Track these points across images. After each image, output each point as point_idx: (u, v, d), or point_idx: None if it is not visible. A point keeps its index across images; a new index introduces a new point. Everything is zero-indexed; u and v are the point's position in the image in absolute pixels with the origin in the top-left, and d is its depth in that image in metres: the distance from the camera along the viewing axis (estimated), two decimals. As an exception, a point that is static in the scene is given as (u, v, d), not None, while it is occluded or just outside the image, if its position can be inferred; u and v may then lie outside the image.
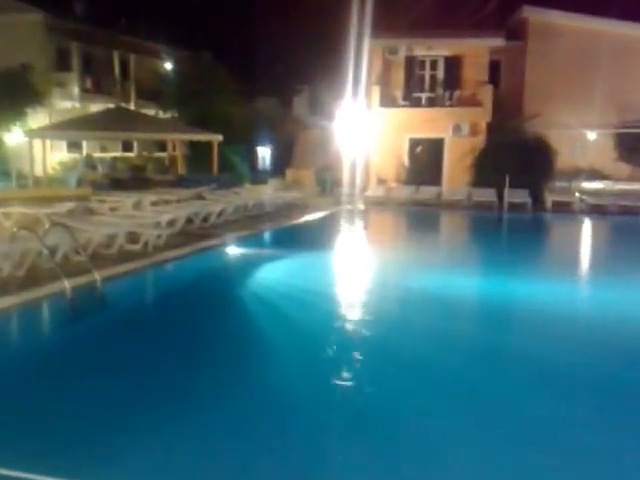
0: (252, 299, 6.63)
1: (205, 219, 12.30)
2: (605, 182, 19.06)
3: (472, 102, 20.20)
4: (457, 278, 7.94)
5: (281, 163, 24.58)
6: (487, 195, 18.19)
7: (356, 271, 8.70)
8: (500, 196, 17.43)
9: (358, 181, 20.49)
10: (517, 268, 8.74)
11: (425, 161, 21.36)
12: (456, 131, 20.36)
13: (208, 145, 19.46)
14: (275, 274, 8.21)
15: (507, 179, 17.53)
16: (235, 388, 3.88)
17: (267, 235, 12.55)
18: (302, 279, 7.77)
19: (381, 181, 21.24)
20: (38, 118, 21.25)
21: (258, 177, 22.22)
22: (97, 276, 6.46)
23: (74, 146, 25.01)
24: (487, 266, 9.48)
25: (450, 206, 18.24)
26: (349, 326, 5.45)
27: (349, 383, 3.92)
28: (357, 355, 4.53)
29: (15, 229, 6.91)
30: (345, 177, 20.51)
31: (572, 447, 3.01)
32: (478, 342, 5.05)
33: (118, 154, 25.37)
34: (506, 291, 7.26)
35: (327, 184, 21.66)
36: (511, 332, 5.59)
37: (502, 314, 6.23)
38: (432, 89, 21.04)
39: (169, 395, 3.78)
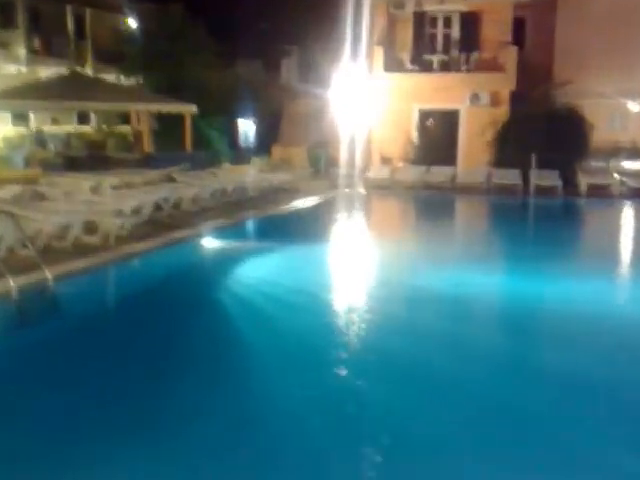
0: (232, 302, 6.69)
1: (176, 206, 12.41)
2: (650, 161, 19.39)
3: (493, 66, 20.21)
4: (477, 278, 7.97)
5: (267, 139, 24.64)
6: (510, 177, 18.18)
7: (356, 270, 8.74)
8: (526, 178, 17.62)
9: (358, 161, 20.58)
10: (547, 265, 8.80)
11: (437, 137, 21.46)
12: (474, 101, 20.43)
13: (180, 117, 18.94)
14: (260, 273, 8.29)
15: (534, 158, 17.71)
16: (210, 411, 3.87)
17: (250, 225, 12.70)
18: (292, 279, 7.80)
19: (385, 161, 21.38)
20: (-25, 85, 21.03)
21: (239, 156, 22.31)
22: (48, 274, 6.48)
23: (20, 119, 24.67)
24: (511, 263, 9.53)
25: (467, 190, 18.32)
26: (348, 338, 5.48)
27: (349, 409, 3.91)
28: (357, 372, 4.55)
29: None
30: (343, 156, 20.48)
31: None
32: (504, 354, 5.12)
33: (72, 128, 25.14)
34: (534, 292, 7.29)
35: (321, 164, 21.76)
36: (541, 341, 5.64)
37: (530, 319, 6.24)
38: (445, 51, 21.02)
39: (133, 417, 3.74)
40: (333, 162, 21.27)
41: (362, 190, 19.06)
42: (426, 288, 7.39)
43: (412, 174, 19.59)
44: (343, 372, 4.45)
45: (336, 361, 4.69)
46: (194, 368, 4.61)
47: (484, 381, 4.34)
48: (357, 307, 6.58)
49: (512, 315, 6.39)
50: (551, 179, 17.63)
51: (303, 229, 12.27)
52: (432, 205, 16.93)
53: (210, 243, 10.50)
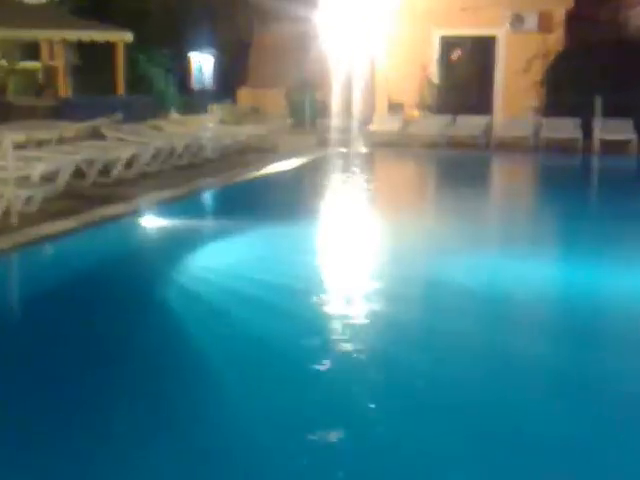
0: (181, 306, 6.81)
1: (105, 171, 12.40)
2: None
3: (542, -23, 20.40)
4: (531, 276, 7.97)
5: (231, 79, 24.34)
6: (566, 128, 18.23)
7: (354, 265, 8.75)
8: (588, 130, 17.72)
9: (357, 108, 20.57)
10: (619, 254, 8.83)
11: (466, 75, 21.41)
12: (516, 25, 20.28)
13: (109, 49, 18.74)
14: (220, 265, 8.39)
15: (599, 102, 17.55)
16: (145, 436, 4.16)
17: (208, 198, 12.99)
18: (264, 273, 7.89)
19: (395, 108, 21.27)
20: None
21: (193, 102, 22.05)
22: None
23: None
24: (570, 251, 9.54)
25: (506, 147, 18.40)
26: (338, 352, 5.67)
27: (335, 439, 4.18)
28: (346, 394, 4.77)
29: None
30: (335, 102, 20.62)
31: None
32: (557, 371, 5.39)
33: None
34: (613, 296, 7.34)
35: (306, 113, 21.57)
36: (607, 356, 5.72)
37: (611, 336, 6.39)
38: (477, -45, 20.87)
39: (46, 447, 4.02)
40: (322, 110, 21.23)
41: (363, 149, 19.13)
42: (456, 289, 7.52)
43: (432, 127, 19.55)
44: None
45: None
46: (126, 388, 4.94)
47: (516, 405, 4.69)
48: (353, 317, 6.63)
49: (584, 331, 6.44)
50: (623, 131, 17.74)
51: (281, 204, 12.41)
52: (459, 170, 17.01)
53: (152, 223, 10.68)
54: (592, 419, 4.48)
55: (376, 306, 6.98)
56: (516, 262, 8.47)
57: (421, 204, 13.86)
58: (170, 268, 8.01)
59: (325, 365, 5.37)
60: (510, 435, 4.23)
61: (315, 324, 6.38)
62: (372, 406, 4.74)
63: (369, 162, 18.29)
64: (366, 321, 6.54)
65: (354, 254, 9.29)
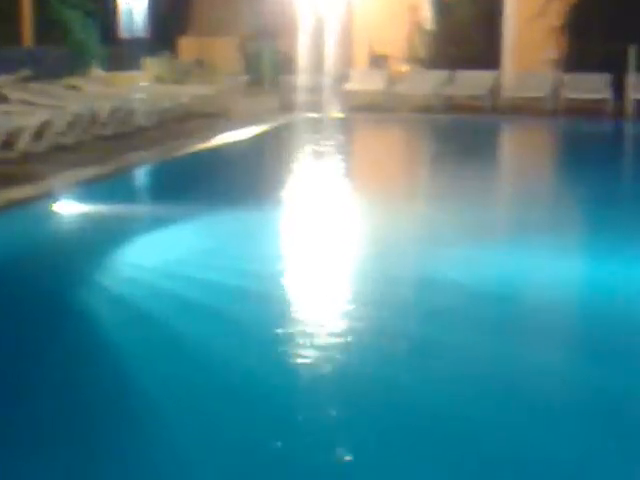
0: (104, 310, 6.91)
1: (8, 143, 12.35)
2: None
3: None
4: (537, 272, 8.11)
5: (169, 25, 24.40)
6: (592, 87, 18.26)
7: (327, 259, 8.78)
8: (619, 89, 17.84)
9: (330, 62, 20.79)
10: None
11: (466, 19, 21.54)
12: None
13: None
14: (156, 261, 8.45)
15: (634, 53, 17.73)
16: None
17: (140, 178, 13.21)
18: (210, 269, 8.00)
19: (378, 61, 21.58)
20: None
21: (121, 55, 22.14)
22: None
23: None
24: (599, 245, 9.42)
25: (518, 111, 18.52)
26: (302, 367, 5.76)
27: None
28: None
29: None
30: (302, 54, 20.88)
31: None
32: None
33: None
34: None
35: (265, 68, 21.90)
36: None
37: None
38: None
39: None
40: (285, 65, 21.38)
41: (338, 114, 19.23)
42: (454, 290, 7.54)
43: (424, 85, 19.64)
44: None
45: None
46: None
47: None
48: (323, 332, 6.57)
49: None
50: (663, 90, 18.28)
51: (234, 184, 12.46)
52: (459, 140, 16.95)
53: (69, 209, 10.74)
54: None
55: (353, 315, 6.97)
56: (528, 257, 8.54)
57: (411, 185, 13.79)
58: (91, 266, 8.08)
59: (278, 396, 5.29)
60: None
61: (274, 338, 6.32)
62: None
63: (346, 131, 18.43)
64: (338, 337, 6.48)
65: (326, 248, 9.31)
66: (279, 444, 4.50)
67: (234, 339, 6.19)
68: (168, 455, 4.38)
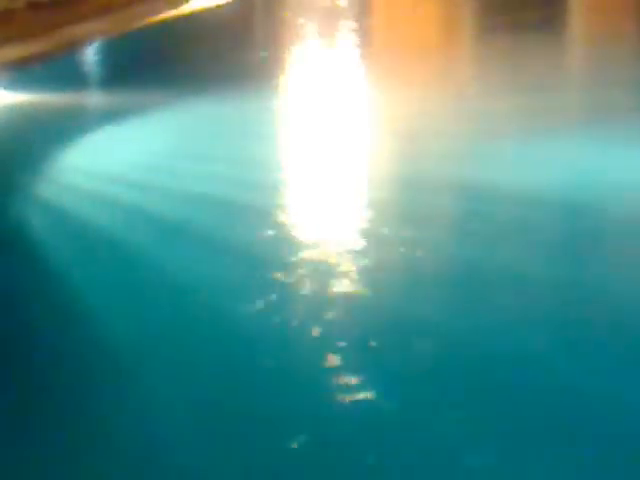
0: (41, 224, 6.81)
1: None
2: None
3: None
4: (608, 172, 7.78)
5: None
6: None
7: (333, 162, 8.50)
8: None
9: None
10: None
11: None
12: None
13: None
14: (105, 164, 8.11)
15: None
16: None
17: (88, 58, 12.53)
18: (171, 175, 7.78)
19: None
20: None
21: None
22: None
23: None
24: None
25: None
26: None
27: None
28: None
29: None
30: None
31: None
32: None
33: None
34: None
35: None
36: None
37: None
38: None
39: None
40: None
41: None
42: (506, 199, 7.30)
43: None
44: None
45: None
46: None
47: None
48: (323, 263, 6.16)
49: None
50: None
51: (208, 66, 12.05)
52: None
53: None
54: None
55: (366, 230, 6.66)
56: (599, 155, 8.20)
57: (446, 59, 13.21)
58: (22, 169, 7.89)
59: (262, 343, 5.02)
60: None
61: (251, 267, 5.98)
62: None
63: None
64: (347, 265, 6.10)
65: (329, 147, 8.90)
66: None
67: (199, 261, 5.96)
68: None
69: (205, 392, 4.51)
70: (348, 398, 4.39)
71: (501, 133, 8.98)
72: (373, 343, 5.02)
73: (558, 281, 5.83)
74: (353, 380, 4.51)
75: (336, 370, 4.72)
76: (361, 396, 4.34)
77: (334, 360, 4.79)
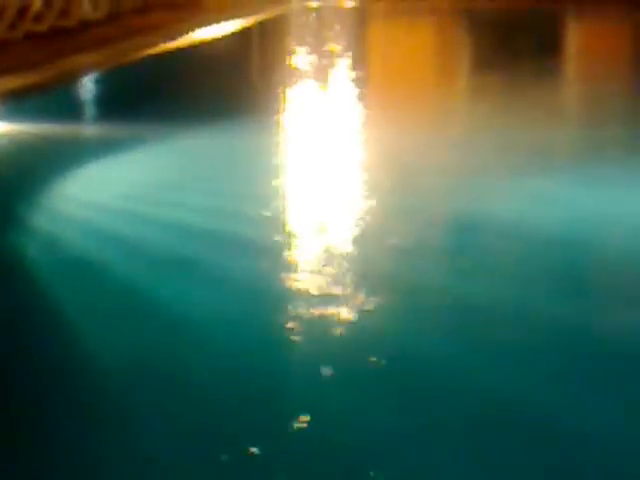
0: (35, 253, 6.77)
1: None
2: None
3: None
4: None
5: None
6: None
7: (334, 195, 8.54)
8: None
9: None
10: None
11: None
12: None
13: None
14: (103, 195, 8.16)
15: None
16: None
17: (86, 89, 12.83)
18: (171, 206, 7.78)
19: None
20: None
21: None
22: None
23: None
24: None
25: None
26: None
27: None
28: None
29: None
30: None
31: None
32: None
33: None
34: None
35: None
36: None
37: None
38: None
39: None
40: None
41: (348, 1, 18.51)
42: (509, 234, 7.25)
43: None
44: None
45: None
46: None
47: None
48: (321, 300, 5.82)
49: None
50: None
51: (207, 98, 12.25)
52: (518, 35, 17.38)
53: None
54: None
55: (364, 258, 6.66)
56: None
57: (452, 100, 13.56)
58: (19, 200, 7.91)
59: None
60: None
61: (249, 301, 5.84)
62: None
63: (358, 25, 17.38)
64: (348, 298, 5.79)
65: (331, 181, 8.97)
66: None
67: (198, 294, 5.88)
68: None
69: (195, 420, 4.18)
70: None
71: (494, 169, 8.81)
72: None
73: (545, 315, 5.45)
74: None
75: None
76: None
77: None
